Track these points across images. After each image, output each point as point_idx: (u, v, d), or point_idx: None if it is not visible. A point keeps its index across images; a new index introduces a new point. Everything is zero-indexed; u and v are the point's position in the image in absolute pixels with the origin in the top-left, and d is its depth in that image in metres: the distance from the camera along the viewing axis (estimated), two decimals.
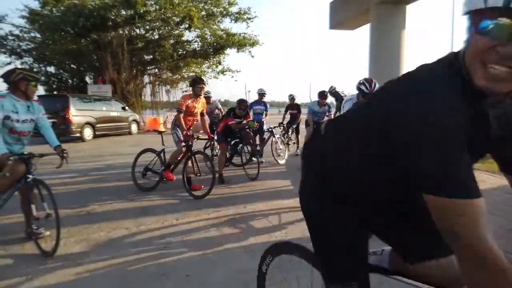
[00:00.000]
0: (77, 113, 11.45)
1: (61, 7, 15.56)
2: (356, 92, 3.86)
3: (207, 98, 6.61)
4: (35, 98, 3.00)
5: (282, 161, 6.97)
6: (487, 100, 0.74)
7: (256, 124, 6.05)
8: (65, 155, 2.99)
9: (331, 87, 7.72)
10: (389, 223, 1.07)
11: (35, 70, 16.58)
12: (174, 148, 4.73)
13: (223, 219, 3.67)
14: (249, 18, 18.16)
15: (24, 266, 2.59)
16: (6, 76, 2.84)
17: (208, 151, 6.67)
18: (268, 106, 7.68)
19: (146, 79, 20.61)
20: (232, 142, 5.85)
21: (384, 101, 0.81)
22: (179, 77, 21.10)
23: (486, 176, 5.34)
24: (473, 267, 0.67)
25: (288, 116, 8.47)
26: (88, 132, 11.89)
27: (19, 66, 15.20)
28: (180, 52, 19.06)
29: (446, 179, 0.66)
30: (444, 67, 0.77)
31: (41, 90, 16.32)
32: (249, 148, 6.01)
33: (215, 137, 5.90)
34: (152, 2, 16.40)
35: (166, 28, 18.07)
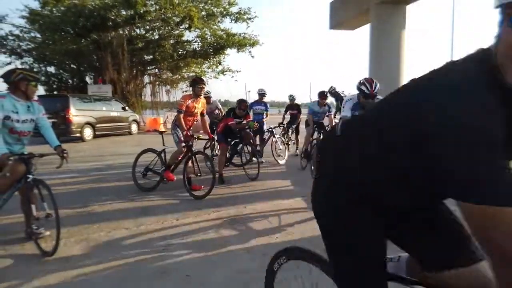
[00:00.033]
0: (77, 113, 11.45)
1: (61, 7, 15.56)
2: (356, 92, 3.85)
3: (207, 98, 6.61)
4: (35, 98, 3.00)
5: (282, 161, 6.97)
6: None
7: (256, 124, 6.05)
8: (65, 155, 2.99)
9: (331, 87, 7.72)
10: (408, 229, 1.02)
11: (35, 70, 16.58)
12: (174, 148, 4.73)
13: (223, 219, 3.67)
14: (249, 18, 18.16)
15: (24, 266, 2.59)
16: (6, 76, 2.84)
17: (208, 151, 6.67)
18: (268, 106, 7.68)
19: (146, 79, 20.64)
20: (232, 142, 5.86)
21: (411, 101, 0.77)
22: (179, 77, 21.09)
23: None
24: None
25: (288, 116, 8.48)
26: (88, 132, 11.89)
27: (19, 66, 15.24)
28: (180, 52, 19.05)
29: (495, 186, 0.62)
30: (475, 64, 0.73)
31: (41, 90, 16.34)
32: (249, 148, 6.01)
33: (215, 137, 5.90)
34: (152, 2, 16.41)
35: (166, 28, 18.07)
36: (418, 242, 1.02)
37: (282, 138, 7.71)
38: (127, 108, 14.65)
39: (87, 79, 19.26)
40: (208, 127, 5.21)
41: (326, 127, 6.64)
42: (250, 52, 19.13)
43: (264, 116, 7.39)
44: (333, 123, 7.10)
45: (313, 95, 37.83)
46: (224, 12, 18.06)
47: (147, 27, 18.17)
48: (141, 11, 15.73)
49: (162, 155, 4.86)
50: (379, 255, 0.97)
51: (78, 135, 11.43)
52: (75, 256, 2.78)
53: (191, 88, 4.93)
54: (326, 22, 8.24)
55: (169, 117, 16.25)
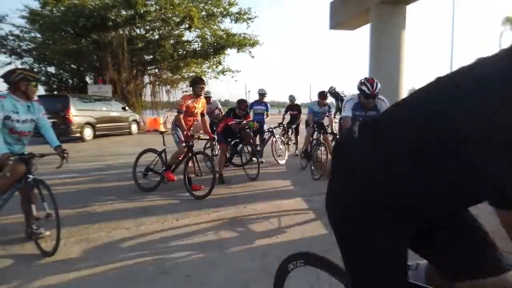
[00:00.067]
0: (77, 113, 11.45)
1: (61, 7, 15.56)
2: (355, 91, 3.83)
3: (207, 98, 6.61)
4: (35, 98, 3.00)
5: (282, 161, 6.98)
6: None
7: (256, 124, 6.05)
8: (65, 155, 2.99)
9: (331, 87, 7.73)
10: (431, 236, 0.95)
11: (35, 70, 16.57)
12: (175, 148, 4.73)
13: (223, 219, 3.67)
14: (249, 18, 18.16)
15: (24, 266, 2.59)
16: (7, 76, 2.84)
17: (208, 151, 6.67)
18: (269, 106, 7.69)
19: (146, 79, 20.64)
20: (232, 142, 5.86)
21: (444, 100, 0.71)
22: (179, 77, 21.09)
23: None
24: None
25: (288, 117, 8.48)
26: (88, 132, 11.89)
27: (20, 66, 15.23)
28: (180, 52, 19.06)
29: None
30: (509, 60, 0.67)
31: (41, 90, 16.35)
32: (249, 148, 6.02)
33: (216, 138, 5.90)
34: (153, 2, 16.40)
35: (166, 28, 18.06)
36: (441, 250, 0.95)
37: (282, 138, 7.72)
38: (127, 108, 14.65)
39: (87, 79, 19.27)
40: (208, 127, 5.21)
41: (326, 127, 6.65)
42: (250, 52, 19.16)
43: (265, 116, 7.40)
44: (333, 123, 7.11)
45: (313, 95, 37.82)
46: (224, 12, 18.06)
47: (147, 27, 18.18)
48: (141, 11, 15.73)
49: (163, 155, 4.86)
50: (401, 265, 0.90)
51: (78, 135, 11.43)
52: (75, 256, 2.78)
53: (191, 88, 4.93)
54: (326, 22, 8.25)
55: (169, 117, 16.25)
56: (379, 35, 6.18)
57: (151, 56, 18.83)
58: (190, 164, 4.70)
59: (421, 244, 0.96)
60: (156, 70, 20.53)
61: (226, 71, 20.42)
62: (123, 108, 14.20)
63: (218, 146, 6.20)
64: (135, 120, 15.03)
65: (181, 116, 4.65)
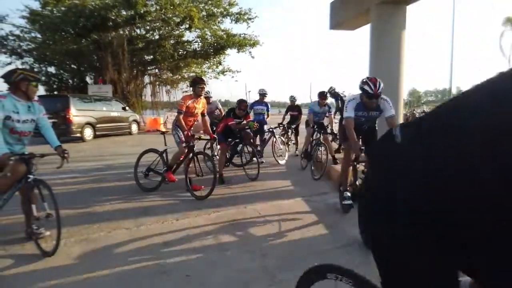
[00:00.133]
0: (78, 113, 11.46)
1: (61, 7, 15.57)
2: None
3: (207, 98, 6.61)
4: (36, 98, 3.00)
5: (282, 162, 6.98)
6: None
7: (256, 124, 6.06)
8: (66, 155, 3.00)
9: (331, 87, 7.73)
10: (483, 254, 0.83)
11: (35, 70, 16.61)
12: (176, 148, 4.73)
13: (223, 219, 3.67)
14: (250, 19, 18.16)
15: (24, 266, 2.59)
16: (7, 76, 2.84)
17: (208, 151, 6.67)
18: (269, 106, 7.69)
19: (146, 79, 20.65)
20: (232, 143, 5.86)
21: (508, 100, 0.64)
22: (180, 77, 21.11)
23: None
24: None
25: (288, 117, 8.48)
26: (88, 132, 11.90)
27: (20, 66, 15.25)
28: (180, 52, 19.07)
29: None
30: None
31: (41, 90, 16.36)
32: (250, 149, 6.02)
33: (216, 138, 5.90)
34: (153, 3, 16.41)
35: (167, 28, 18.07)
36: (493, 269, 0.82)
37: (282, 138, 7.72)
38: (127, 108, 14.66)
39: (88, 79, 19.29)
40: (209, 127, 5.21)
41: (326, 127, 6.66)
42: (250, 52, 19.16)
43: (266, 116, 7.41)
44: (333, 123, 7.12)
45: (313, 95, 37.85)
46: (225, 13, 18.07)
47: (148, 27, 18.19)
48: (142, 11, 15.74)
49: (164, 155, 4.86)
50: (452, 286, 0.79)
51: (78, 135, 11.43)
52: (75, 256, 2.78)
53: (191, 88, 4.93)
54: (326, 22, 8.24)
55: (169, 117, 16.26)
56: (379, 35, 6.17)
57: (151, 56, 18.85)
58: (191, 164, 4.70)
59: (470, 262, 0.84)
60: (156, 70, 20.55)
61: (226, 71, 20.44)
62: (123, 108, 14.21)
63: (218, 146, 6.20)
64: (135, 120, 15.04)
65: (181, 116, 4.65)
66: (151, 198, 4.51)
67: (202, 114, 4.95)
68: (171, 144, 4.88)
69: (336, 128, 7.20)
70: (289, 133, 8.33)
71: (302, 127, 7.91)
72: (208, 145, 6.94)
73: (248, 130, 5.89)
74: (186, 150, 4.68)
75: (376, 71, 5.67)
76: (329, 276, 1.17)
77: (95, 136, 12.21)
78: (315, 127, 6.30)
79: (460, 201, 0.71)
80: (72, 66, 18.84)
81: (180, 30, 18.20)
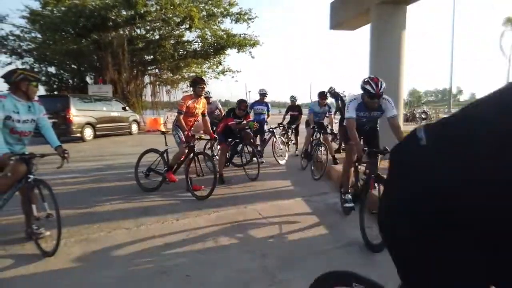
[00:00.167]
0: (78, 113, 11.46)
1: (61, 7, 15.58)
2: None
3: (207, 98, 6.61)
4: (36, 98, 3.01)
5: (282, 162, 6.98)
6: None
7: (256, 124, 6.06)
8: (66, 155, 3.00)
9: (331, 87, 7.73)
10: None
11: (36, 70, 16.61)
12: (177, 148, 4.73)
13: (224, 219, 3.67)
14: (250, 19, 18.16)
15: (24, 266, 2.59)
16: (7, 77, 2.84)
17: (208, 151, 6.67)
18: (270, 106, 7.69)
19: (146, 79, 20.65)
20: (232, 143, 5.86)
21: None
22: (180, 77, 21.11)
23: None
24: None
25: (288, 117, 8.48)
26: (88, 132, 11.91)
27: (20, 66, 15.26)
28: (180, 52, 19.07)
29: None
30: None
31: (41, 90, 16.37)
32: (250, 149, 6.02)
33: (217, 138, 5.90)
34: (153, 3, 16.42)
35: (167, 28, 18.08)
36: None
37: (282, 138, 7.72)
38: (127, 108, 14.66)
39: (88, 79, 19.29)
40: (209, 127, 5.21)
41: (326, 127, 6.66)
42: (250, 52, 19.16)
43: (266, 116, 7.41)
44: (334, 123, 7.12)
45: (313, 95, 37.82)
46: (225, 13, 18.07)
47: (148, 27, 18.20)
48: (142, 11, 15.74)
49: (165, 155, 4.86)
50: None
51: (78, 135, 11.44)
52: (75, 256, 2.78)
53: (191, 88, 4.93)
54: (326, 22, 8.25)
55: (169, 118, 16.27)
56: (379, 35, 6.17)
57: (152, 56, 18.85)
58: (192, 164, 4.70)
59: (497, 270, 0.80)
60: (157, 70, 20.55)
61: (227, 71, 20.45)
62: (124, 108, 14.21)
63: (218, 146, 6.21)
64: (135, 120, 15.05)
65: (181, 116, 4.65)
66: (151, 198, 4.51)
67: (203, 114, 4.94)
68: (171, 144, 4.88)
69: (336, 128, 7.20)
70: (289, 133, 8.33)
71: (302, 127, 7.91)
72: (209, 145, 6.94)
73: (248, 130, 5.89)
74: (187, 150, 4.68)
75: (376, 71, 5.67)
76: (356, 286, 1.09)
77: (95, 136, 12.21)
78: (315, 128, 6.30)
79: (483, 204, 0.69)
80: (72, 66, 18.85)
81: (180, 30, 18.22)
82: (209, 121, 5.16)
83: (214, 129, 6.15)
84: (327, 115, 6.77)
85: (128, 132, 14.27)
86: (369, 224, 3.02)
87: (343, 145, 6.88)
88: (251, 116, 6.59)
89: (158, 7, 16.48)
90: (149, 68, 20.18)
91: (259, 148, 6.89)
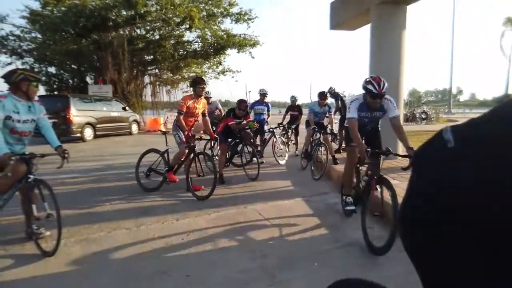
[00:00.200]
0: (78, 113, 11.46)
1: (61, 7, 15.57)
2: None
3: (207, 98, 6.60)
4: (36, 98, 3.01)
5: (282, 162, 6.98)
6: None
7: (256, 124, 6.06)
8: (66, 155, 3.00)
9: (330, 88, 7.74)
10: None
11: (36, 70, 16.60)
12: (177, 149, 4.73)
13: (224, 219, 3.67)
14: (250, 19, 18.16)
15: (24, 266, 2.60)
16: (7, 77, 2.84)
17: (208, 151, 6.67)
18: (270, 106, 7.70)
19: (146, 79, 20.63)
20: (232, 143, 5.86)
21: None
22: (180, 77, 21.10)
23: None
24: None
25: (288, 117, 8.48)
26: (88, 132, 11.91)
27: (20, 66, 15.27)
28: (180, 53, 19.06)
29: None
30: None
31: (41, 90, 16.36)
32: (250, 149, 6.02)
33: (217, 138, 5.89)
34: (153, 3, 16.41)
35: (167, 28, 18.07)
36: None
37: (282, 138, 7.73)
38: (127, 108, 14.66)
39: (88, 79, 19.29)
40: (210, 127, 5.22)
41: (326, 127, 6.66)
42: (250, 52, 19.16)
43: (266, 116, 7.41)
44: (334, 123, 7.11)
45: (313, 95, 37.84)
46: (225, 13, 18.08)
47: (148, 27, 18.19)
48: (142, 11, 15.74)
49: (165, 155, 4.86)
50: None
51: (78, 135, 11.44)
52: (75, 256, 2.78)
53: (191, 88, 4.92)
54: (326, 22, 8.24)
55: (169, 118, 16.27)
56: (379, 35, 6.17)
57: (152, 56, 18.85)
58: (192, 164, 4.70)
59: None
60: (157, 70, 20.55)
61: (227, 71, 20.44)
62: (124, 108, 14.21)
63: (218, 146, 6.21)
64: (135, 120, 15.05)
65: (182, 117, 4.65)
66: (151, 198, 4.51)
67: (203, 114, 4.94)
68: (172, 144, 4.88)
69: (336, 128, 7.19)
70: (289, 133, 8.33)
71: (302, 127, 7.91)
72: (209, 145, 6.94)
73: (248, 130, 5.89)
74: (187, 151, 4.68)
75: (376, 71, 5.66)
76: None
77: (95, 136, 12.21)
78: (315, 129, 6.30)
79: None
80: (72, 66, 18.85)
81: (181, 30, 18.21)
82: (209, 121, 5.16)
83: (214, 129, 6.16)
84: (327, 115, 6.77)
85: (128, 132, 14.27)
86: (370, 225, 3.01)
87: (343, 145, 6.88)
88: (251, 116, 6.59)
89: (158, 7, 16.47)
90: (149, 68, 20.18)
91: (259, 148, 6.89)
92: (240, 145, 5.95)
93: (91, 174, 6.06)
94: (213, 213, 3.88)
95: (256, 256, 2.78)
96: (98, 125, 12.35)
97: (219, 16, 18.21)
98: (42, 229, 2.99)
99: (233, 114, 5.67)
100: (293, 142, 8.35)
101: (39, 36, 17.18)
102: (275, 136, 7.22)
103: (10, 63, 17.21)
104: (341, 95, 7.75)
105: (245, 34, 18.64)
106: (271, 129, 7.27)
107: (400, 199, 2.87)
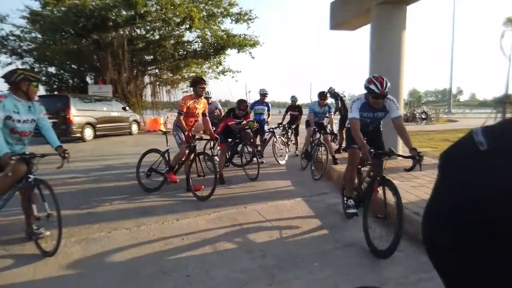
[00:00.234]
0: (78, 113, 11.46)
1: (61, 7, 15.58)
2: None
3: (207, 99, 6.60)
4: (36, 98, 3.01)
5: (282, 162, 6.98)
6: None
7: (255, 124, 6.05)
8: (66, 155, 3.00)
9: (330, 88, 7.74)
10: None
11: (36, 70, 16.61)
12: (178, 149, 4.73)
13: (223, 219, 3.67)
14: (250, 19, 18.16)
15: (25, 267, 2.60)
16: (8, 77, 2.85)
17: (209, 151, 6.66)
18: (270, 106, 7.69)
19: (146, 79, 20.64)
20: (232, 143, 5.86)
21: None
22: (180, 77, 21.11)
23: None
24: None
25: (288, 117, 8.48)
26: (88, 132, 11.91)
27: (20, 66, 15.29)
28: (180, 53, 19.05)
29: None
30: None
31: (42, 90, 16.37)
32: (250, 149, 6.02)
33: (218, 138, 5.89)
34: (153, 3, 16.42)
35: (167, 28, 18.07)
36: None
37: (282, 138, 7.72)
38: (127, 108, 14.66)
39: (88, 79, 19.29)
40: (210, 127, 5.21)
41: (326, 127, 6.66)
42: (250, 53, 19.16)
43: (267, 116, 7.41)
44: (334, 123, 7.11)
45: (313, 95, 37.83)
46: (225, 13, 18.07)
47: (148, 27, 18.19)
48: (142, 12, 15.74)
49: (166, 155, 4.86)
50: None
51: (78, 135, 11.43)
52: (75, 256, 2.78)
53: (192, 88, 4.92)
54: (326, 22, 8.24)
55: (169, 118, 16.27)
56: (379, 35, 6.17)
57: (152, 56, 18.84)
58: (193, 165, 4.70)
59: None
60: (157, 70, 20.55)
61: (227, 71, 20.44)
62: (124, 108, 14.21)
63: (218, 146, 6.21)
64: (135, 120, 15.04)
65: (182, 117, 4.65)
66: (152, 198, 4.51)
67: (203, 114, 4.94)
68: (173, 144, 4.88)
69: (336, 128, 7.19)
70: (289, 133, 8.33)
71: (302, 127, 7.91)
72: (209, 145, 6.94)
73: (248, 130, 5.89)
74: (187, 151, 4.67)
75: (376, 71, 5.66)
76: None
77: (95, 136, 12.21)
78: (315, 129, 6.29)
79: None
80: (72, 66, 18.85)
81: (181, 30, 18.20)
82: (209, 121, 5.15)
83: (214, 129, 6.16)
84: (327, 115, 6.77)
85: (128, 132, 14.27)
86: (371, 225, 2.99)
87: (343, 145, 6.88)
88: (251, 116, 6.59)
89: (158, 7, 16.47)
90: (149, 68, 20.18)
91: (259, 148, 6.88)
92: (240, 145, 5.95)
93: (91, 174, 6.06)
94: (213, 213, 3.88)
95: (256, 256, 2.78)
96: (98, 125, 12.35)
97: (219, 16, 18.20)
98: (42, 229, 2.99)
99: (233, 114, 5.67)
100: (293, 142, 8.35)
101: (39, 36, 17.18)
102: (275, 136, 7.22)
103: (10, 63, 17.24)
104: (341, 95, 7.75)
105: (245, 34, 18.65)
106: (271, 129, 7.27)
107: (403, 201, 2.86)
